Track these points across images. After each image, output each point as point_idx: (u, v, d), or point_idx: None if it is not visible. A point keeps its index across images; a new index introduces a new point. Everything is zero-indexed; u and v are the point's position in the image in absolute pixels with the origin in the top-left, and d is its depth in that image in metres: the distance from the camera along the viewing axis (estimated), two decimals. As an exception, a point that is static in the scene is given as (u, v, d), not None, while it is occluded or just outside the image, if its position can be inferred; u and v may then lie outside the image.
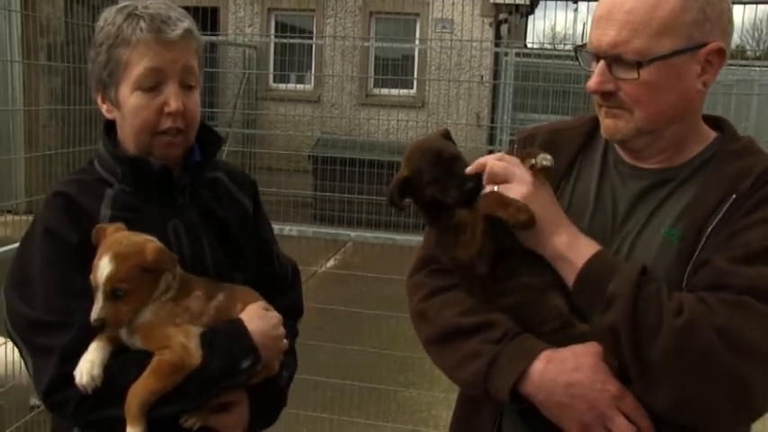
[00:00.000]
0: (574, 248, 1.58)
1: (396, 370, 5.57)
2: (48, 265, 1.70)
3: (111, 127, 1.87)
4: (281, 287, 2.07)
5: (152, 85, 1.75)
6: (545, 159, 1.63)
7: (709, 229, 1.55)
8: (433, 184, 1.69)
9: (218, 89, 11.47)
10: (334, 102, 12.42)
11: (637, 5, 1.54)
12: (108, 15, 1.80)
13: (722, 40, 1.59)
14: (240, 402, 1.81)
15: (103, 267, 1.60)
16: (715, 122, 1.76)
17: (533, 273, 1.63)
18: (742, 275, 1.47)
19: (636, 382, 1.49)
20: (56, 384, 1.61)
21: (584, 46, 1.68)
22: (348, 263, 8.58)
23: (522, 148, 1.85)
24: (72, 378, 1.59)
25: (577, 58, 1.71)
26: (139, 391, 1.60)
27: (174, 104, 1.76)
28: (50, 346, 1.63)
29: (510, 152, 1.88)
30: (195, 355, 1.65)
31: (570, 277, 1.57)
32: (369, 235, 4.46)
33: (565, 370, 1.54)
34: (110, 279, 1.60)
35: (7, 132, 4.98)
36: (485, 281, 1.67)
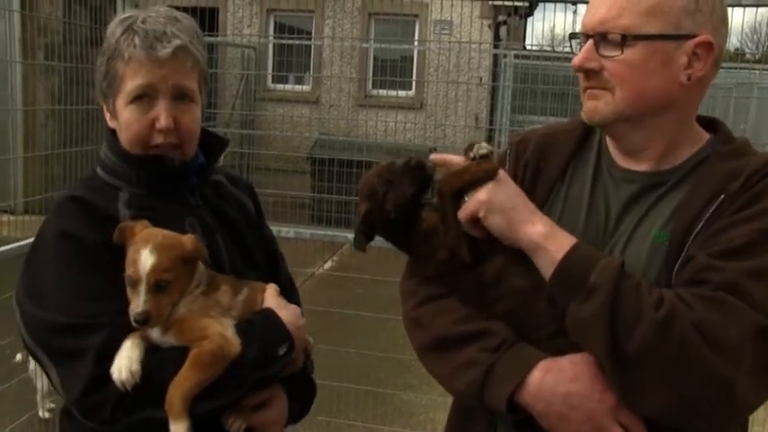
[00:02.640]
0: (550, 239, 1.56)
1: (393, 373, 5.56)
2: (67, 269, 1.67)
3: (114, 134, 1.87)
4: (288, 288, 2.07)
5: (143, 100, 1.76)
6: (482, 148, 1.64)
7: (697, 229, 1.54)
8: (390, 194, 1.69)
9: (216, 90, 11.47)
10: (333, 103, 12.42)
11: None
12: (112, 26, 1.81)
13: (713, 36, 1.59)
14: (278, 397, 1.83)
15: (146, 259, 1.59)
16: (710, 124, 1.75)
17: (522, 273, 1.62)
18: (721, 271, 1.46)
19: (610, 375, 1.47)
20: (93, 385, 1.57)
21: (577, 33, 1.69)
22: (345, 265, 8.57)
23: (516, 152, 1.85)
24: (109, 378, 1.55)
25: (571, 49, 1.71)
26: (181, 383, 1.58)
27: (164, 121, 1.76)
28: (82, 348, 1.59)
29: (504, 156, 1.88)
30: (234, 343, 1.65)
31: (548, 268, 1.54)
32: (366, 237, 4.44)
33: (563, 380, 1.52)
34: (154, 270, 1.59)
35: (5, 132, 4.96)
36: (476, 284, 1.65)
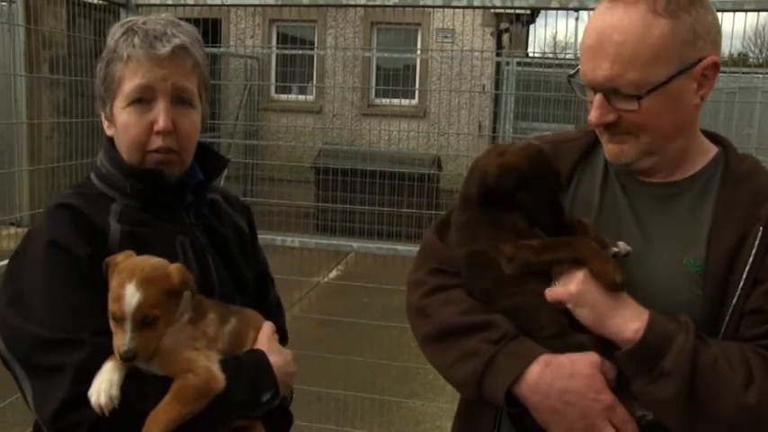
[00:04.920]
0: (629, 323, 1.54)
1: (399, 381, 5.56)
2: (54, 280, 1.60)
3: (112, 143, 1.82)
4: (275, 311, 2.04)
5: (142, 101, 1.71)
6: (623, 250, 1.61)
7: (746, 270, 1.55)
8: (532, 196, 1.63)
9: (220, 100, 11.51)
10: (336, 112, 12.44)
11: (625, 37, 1.52)
12: (112, 30, 1.78)
13: (714, 52, 1.59)
14: (255, 426, 1.77)
15: (131, 295, 1.51)
16: (712, 136, 1.77)
17: (543, 278, 1.62)
18: None
19: None
20: (68, 405, 1.50)
21: (575, 74, 1.67)
22: (350, 273, 8.57)
23: None
24: (86, 399, 1.48)
25: (570, 85, 1.70)
26: (161, 415, 1.51)
27: (162, 122, 1.71)
28: (61, 365, 1.52)
29: None
30: (219, 379, 1.59)
31: (619, 342, 1.55)
32: (371, 245, 4.45)
33: (561, 376, 1.53)
34: (141, 307, 1.51)
35: (11, 145, 4.98)
36: (494, 281, 1.65)
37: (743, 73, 10.37)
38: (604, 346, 1.57)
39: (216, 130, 11.38)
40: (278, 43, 15.02)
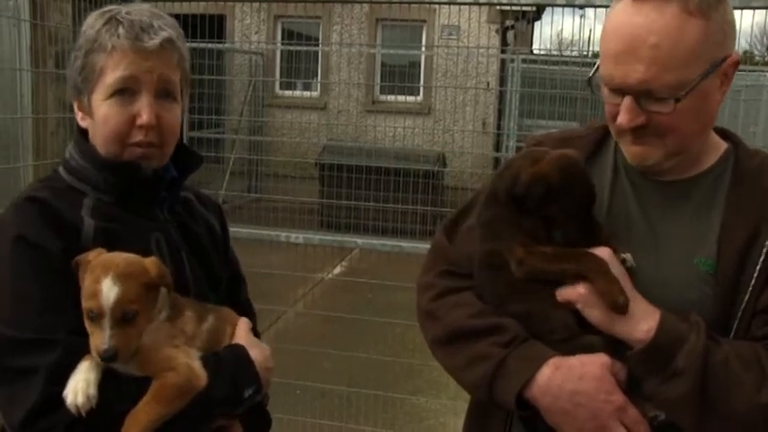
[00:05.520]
0: (642, 323, 1.54)
1: (403, 377, 5.56)
2: (23, 277, 1.52)
3: (84, 135, 1.76)
4: (246, 311, 1.99)
5: (125, 93, 1.65)
6: (629, 261, 1.60)
7: (757, 269, 1.54)
8: (559, 208, 1.61)
9: (224, 96, 11.51)
10: (341, 108, 12.44)
11: (662, 39, 1.48)
12: (90, 19, 1.71)
13: (733, 49, 1.58)
14: (234, 426, 1.73)
15: (108, 290, 1.44)
16: (723, 133, 1.75)
17: (554, 286, 1.61)
18: None
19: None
20: (42, 407, 1.43)
21: (592, 76, 1.64)
22: (354, 270, 8.58)
23: None
24: (59, 401, 1.41)
25: (590, 87, 1.67)
26: (141, 415, 1.45)
27: (145, 116, 1.65)
28: (33, 366, 1.45)
29: None
30: (201, 376, 1.54)
31: (630, 341, 1.55)
32: (376, 242, 4.45)
33: (571, 378, 1.53)
34: (120, 301, 1.44)
35: (16, 140, 4.99)
36: (506, 284, 1.65)
37: (749, 71, 10.35)
38: (615, 346, 1.56)
39: (220, 126, 11.39)
40: (283, 39, 15.02)
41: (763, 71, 11.31)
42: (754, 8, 3.32)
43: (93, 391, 1.43)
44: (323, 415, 4.61)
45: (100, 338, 1.43)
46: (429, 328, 1.78)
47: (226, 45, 13.41)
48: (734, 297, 1.56)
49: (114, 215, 1.68)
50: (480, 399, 1.70)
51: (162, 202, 1.79)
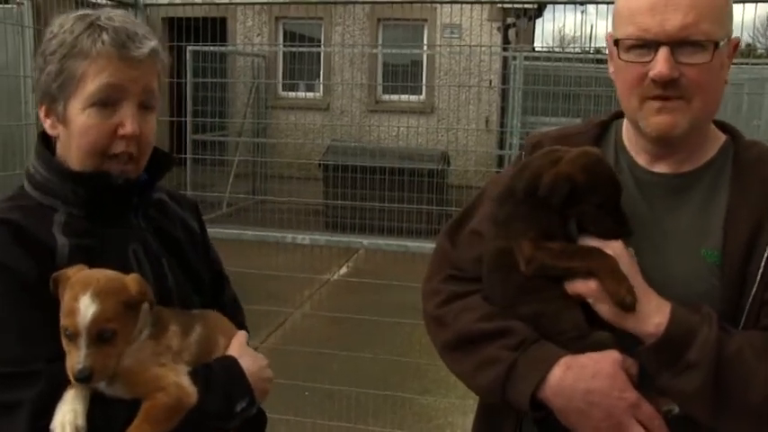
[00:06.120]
0: (653, 317, 1.54)
1: (410, 377, 5.56)
2: None
3: (46, 144, 1.67)
4: (233, 309, 1.95)
5: (107, 102, 1.58)
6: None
7: (764, 259, 1.55)
8: (584, 208, 1.60)
9: (227, 99, 11.53)
10: (344, 109, 12.45)
11: None
12: (64, 22, 1.61)
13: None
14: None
15: (86, 308, 1.38)
16: (721, 126, 1.76)
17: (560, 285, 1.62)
18: None
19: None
20: None
21: (615, 41, 1.64)
22: (360, 270, 8.58)
23: (531, 154, 1.84)
24: None
25: (616, 51, 1.64)
26: None
27: (129, 127, 1.58)
28: (16, 401, 1.39)
29: (519, 159, 1.87)
30: (191, 393, 1.49)
31: (642, 335, 1.55)
32: (381, 242, 4.46)
33: (584, 377, 1.53)
34: (96, 320, 1.38)
35: (20, 146, 5.01)
36: (516, 287, 1.65)
37: (752, 64, 10.33)
38: (625, 340, 1.56)
39: (224, 128, 11.41)
40: (285, 41, 15.04)
41: (765, 64, 11.29)
42: (756, 1, 3.32)
43: (81, 421, 1.38)
44: (331, 416, 4.61)
45: (75, 357, 1.38)
46: (438, 335, 1.78)
47: (229, 48, 13.44)
48: (741, 288, 1.56)
49: (87, 230, 1.60)
50: (493, 402, 1.69)
51: (136, 208, 1.71)
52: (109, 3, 4.18)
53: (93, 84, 1.56)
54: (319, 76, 14.22)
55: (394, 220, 7.51)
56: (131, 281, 1.47)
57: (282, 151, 11.29)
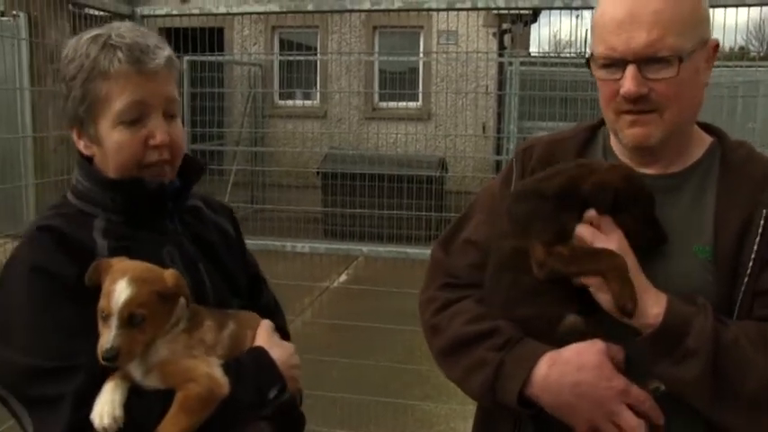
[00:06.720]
0: (646, 311, 1.57)
1: (411, 384, 5.56)
2: (41, 307, 1.54)
3: (87, 160, 1.76)
4: (272, 311, 2.00)
5: (135, 118, 1.66)
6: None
7: (754, 252, 1.58)
8: (630, 216, 1.62)
9: (224, 108, 11.52)
10: (341, 117, 12.45)
11: (663, 6, 1.56)
12: (78, 46, 1.68)
13: (710, 35, 1.66)
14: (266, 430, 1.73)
15: (121, 291, 1.48)
16: (707, 128, 1.79)
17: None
18: None
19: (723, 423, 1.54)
20: None
21: (590, 57, 1.68)
22: (360, 277, 8.58)
23: (522, 160, 1.86)
24: (89, 425, 1.44)
25: (589, 67, 1.70)
26: (170, 430, 1.47)
27: (159, 137, 1.67)
28: (59, 394, 1.47)
29: (511, 166, 1.89)
30: (223, 384, 1.56)
31: (640, 327, 1.57)
32: (381, 249, 4.46)
33: (569, 371, 1.55)
34: (129, 303, 1.48)
35: (18, 159, 5.01)
36: (519, 289, 1.66)
37: (746, 66, 10.35)
38: (597, 318, 1.59)
39: (221, 137, 11.41)
40: (281, 50, 15.04)
41: (760, 66, 11.32)
42: (749, 5, 3.33)
43: (118, 412, 1.46)
44: (333, 423, 4.61)
45: (105, 337, 1.47)
46: (433, 343, 1.81)
47: (225, 57, 13.45)
48: (733, 281, 1.59)
49: (125, 234, 1.70)
50: (488, 405, 1.71)
51: (171, 214, 1.80)
52: (105, 14, 4.19)
53: (118, 103, 1.64)
54: (316, 85, 14.23)
55: (393, 227, 7.50)
56: (168, 274, 1.57)
57: (280, 160, 11.28)
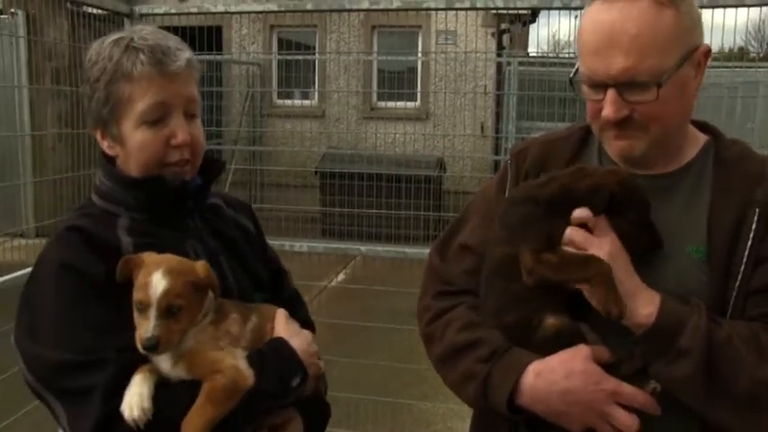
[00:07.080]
0: (640, 302, 1.57)
1: (410, 383, 5.55)
2: (69, 303, 1.60)
3: (109, 159, 1.81)
4: (295, 305, 2.05)
5: (157, 118, 1.71)
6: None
7: (747, 251, 1.58)
8: (625, 221, 1.62)
9: (222, 107, 11.52)
10: (339, 116, 12.43)
11: (639, 29, 1.54)
12: (101, 49, 1.73)
13: (702, 40, 1.64)
14: (294, 419, 1.80)
15: (158, 282, 1.53)
16: (702, 126, 1.79)
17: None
18: None
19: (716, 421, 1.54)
20: (103, 424, 1.51)
21: (575, 74, 1.68)
22: (357, 277, 8.58)
23: (517, 162, 1.85)
24: (119, 416, 1.50)
25: (572, 86, 1.71)
26: (195, 419, 1.52)
27: (181, 137, 1.73)
28: (90, 386, 1.53)
29: (505, 169, 1.88)
30: (248, 375, 1.60)
31: (633, 326, 1.57)
32: (380, 248, 4.46)
33: (556, 379, 1.56)
34: (166, 294, 1.53)
35: (16, 157, 5.01)
36: (510, 297, 1.67)
37: (746, 67, 10.36)
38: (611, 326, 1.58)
39: (219, 137, 11.40)
40: (279, 49, 15.03)
41: (759, 67, 11.32)
42: (748, 6, 3.33)
43: (147, 403, 1.51)
44: (332, 422, 4.58)
45: (144, 327, 1.52)
46: (431, 351, 1.83)
47: (225, 56, 13.43)
48: (727, 281, 1.59)
49: (149, 231, 1.75)
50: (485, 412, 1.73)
51: (192, 211, 1.85)
52: (103, 13, 4.19)
53: (141, 104, 1.70)
54: (314, 84, 14.21)
55: (391, 227, 7.49)
56: (200, 266, 1.62)
57: (278, 159, 11.26)
